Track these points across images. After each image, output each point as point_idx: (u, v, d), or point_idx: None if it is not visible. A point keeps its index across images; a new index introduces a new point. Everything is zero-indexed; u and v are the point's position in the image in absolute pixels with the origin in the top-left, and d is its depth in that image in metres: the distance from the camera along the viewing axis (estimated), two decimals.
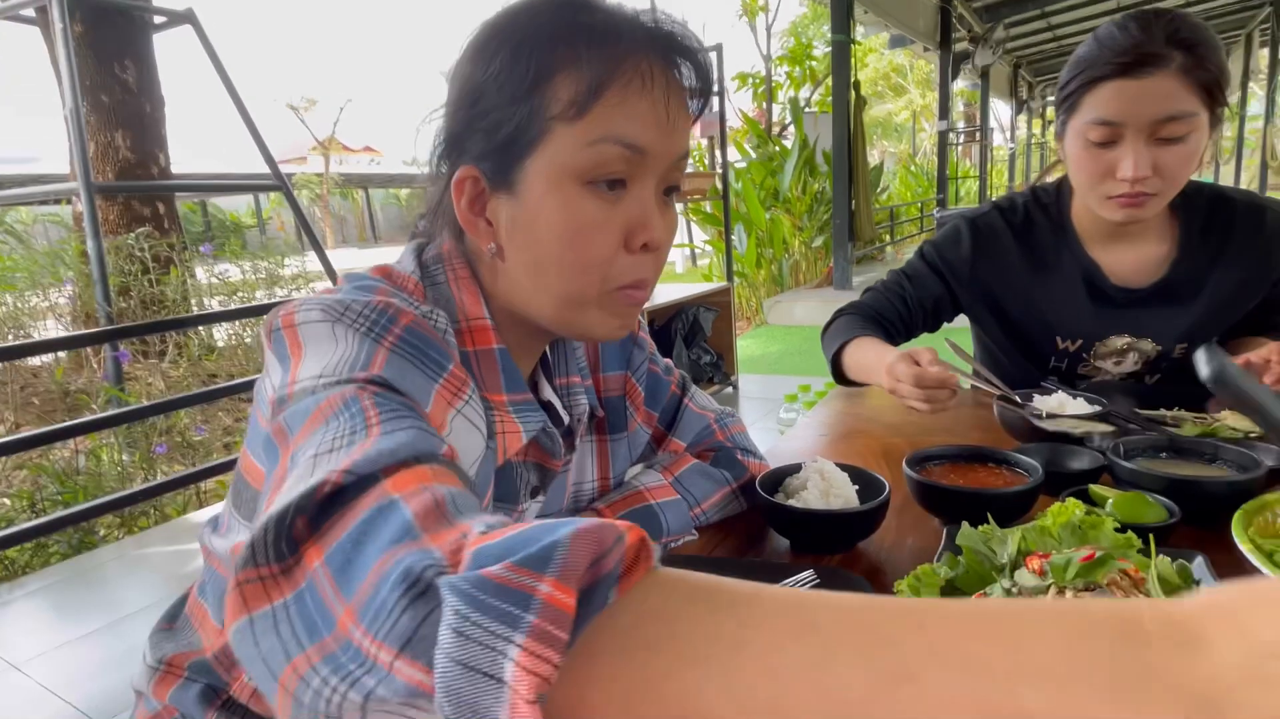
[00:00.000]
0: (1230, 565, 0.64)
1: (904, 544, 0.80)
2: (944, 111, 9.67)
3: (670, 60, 0.58)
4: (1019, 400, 1.09)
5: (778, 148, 8.36)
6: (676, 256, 12.34)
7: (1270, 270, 1.14)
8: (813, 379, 3.82)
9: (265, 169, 3.26)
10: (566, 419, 0.74)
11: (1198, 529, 0.75)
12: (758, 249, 7.68)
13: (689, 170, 5.02)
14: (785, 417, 3.19)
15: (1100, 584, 0.54)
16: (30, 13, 3.66)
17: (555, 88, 0.55)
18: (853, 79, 6.05)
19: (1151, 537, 0.59)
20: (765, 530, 0.84)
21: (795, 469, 0.84)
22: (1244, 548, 0.63)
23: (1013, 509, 0.77)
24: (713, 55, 3.57)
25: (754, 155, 8.27)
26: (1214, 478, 0.78)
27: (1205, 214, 1.16)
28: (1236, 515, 0.68)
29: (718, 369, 4.30)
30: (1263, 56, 13.16)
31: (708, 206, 7.40)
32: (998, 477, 0.85)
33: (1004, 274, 1.25)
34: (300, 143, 20.25)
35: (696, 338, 4.17)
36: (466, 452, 0.54)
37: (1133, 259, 1.18)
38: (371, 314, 0.52)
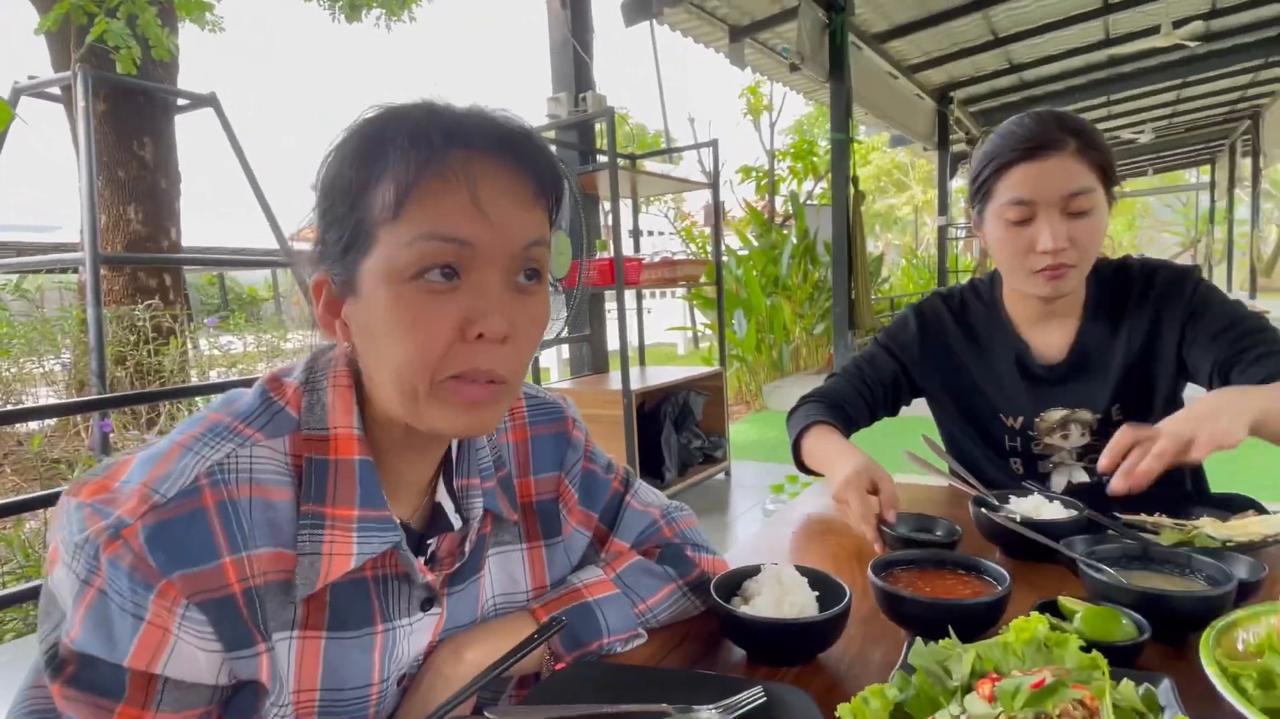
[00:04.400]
0: (1199, 690, 0.60)
1: (869, 657, 0.76)
2: (943, 207, 9.94)
3: (491, 152, 0.59)
4: (995, 502, 1.07)
5: (778, 237, 8.57)
6: (677, 339, 12.43)
7: (1168, 320, 1.17)
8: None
9: (279, 246, 3.34)
10: (457, 523, 0.71)
11: (1169, 648, 0.72)
12: (758, 334, 7.74)
13: (684, 258, 5.11)
14: (771, 508, 3.14)
15: (1051, 714, 0.51)
16: (56, 90, 3.84)
17: (375, 193, 0.57)
18: (852, 174, 6.24)
19: (1105, 662, 0.56)
20: (723, 638, 0.81)
21: (755, 571, 0.81)
22: (1209, 671, 0.60)
23: (979, 620, 0.74)
24: (709, 150, 3.70)
25: (756, 244, 8.46)
26: (1183, 592, 0.75)
27: (1108, 285, 1.23)
28: (1205, 635, 0.65)
29: (709, 454, 4.25)
30: (1245, 165, 13.60)
31: (709, 292, 7.52)
32: (966, 585, 0.82)
33: (948, 355, 1.32)
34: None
35: (687, 421, 4.13)
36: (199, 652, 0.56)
37: (1053, 337, 1.25)
38: (80, 554, 0.54)
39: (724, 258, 6.94)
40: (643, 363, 4.76)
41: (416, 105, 0.60)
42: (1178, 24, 6.66)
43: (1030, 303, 1.24)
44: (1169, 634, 0.71)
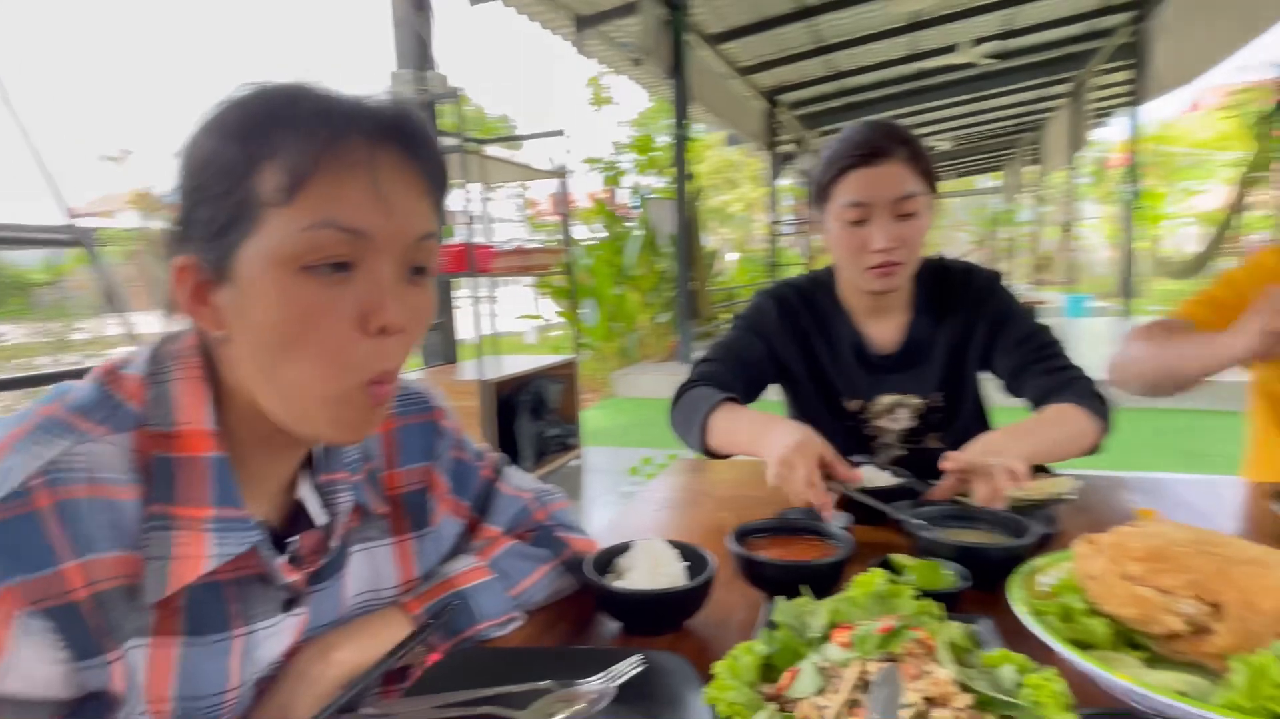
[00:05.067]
0: (1012, 626, 0.70)
1: (730, 620, 0.81)
2: (772, 206, 10.59)
3: (390, 139, 0.57)
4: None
5: (625, 229, 8.73)
6: (528, 329, 12.31)
7: (980, 320, 1.34)
8: (656, 451, 3.89)
9: (64, 222, 2.92)
10: (324, 519, 0.69)
11: (985, 593, 0.83)
12: (608, 323, 7.87)
13: (535, 246, 5.08)
14: (626, 490, 3.22)
15: (897, 653, 0.57)
16: None
17: (265, 174, 0.54)
18: (690, 171, 6.48)
19: (938, 607, 0.64)
20: (597, 613, 0.83)
21: (626, 548, 0.84)
22: (1019, 610, 0.70)
23: (826, 579, 0.81)
24: (558, 139, 3.69)
25: (604, 233, 8.57)
26: (994, 545, 0.86)
27: (932, 282, 1.37)
28: (1013, 580, 0.76)
29: (563, 442, 4.28)
30: (1029, 172, 15.57)
31: (559, 281, 7.52)
32: (814, 548, 0.89)
33: (803, 340, 1.41)
34: (114, 196, 18.44)
35: (542, 410, 4.13)
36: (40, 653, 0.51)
37: (885, 329, 1.38)
38: None
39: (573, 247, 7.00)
40: (496, 352, 4.68)
41: (304, 86, 0.56)
42: (975, 43, 7.49)
43: (864, 296, 1.35)
44: (984, 581, 0.82)
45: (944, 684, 0.54)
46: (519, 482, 0.90)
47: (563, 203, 4.51)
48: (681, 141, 6.39)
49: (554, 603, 0.85)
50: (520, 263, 3.98)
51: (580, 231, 8.90)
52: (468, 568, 0.78)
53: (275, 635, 0.65)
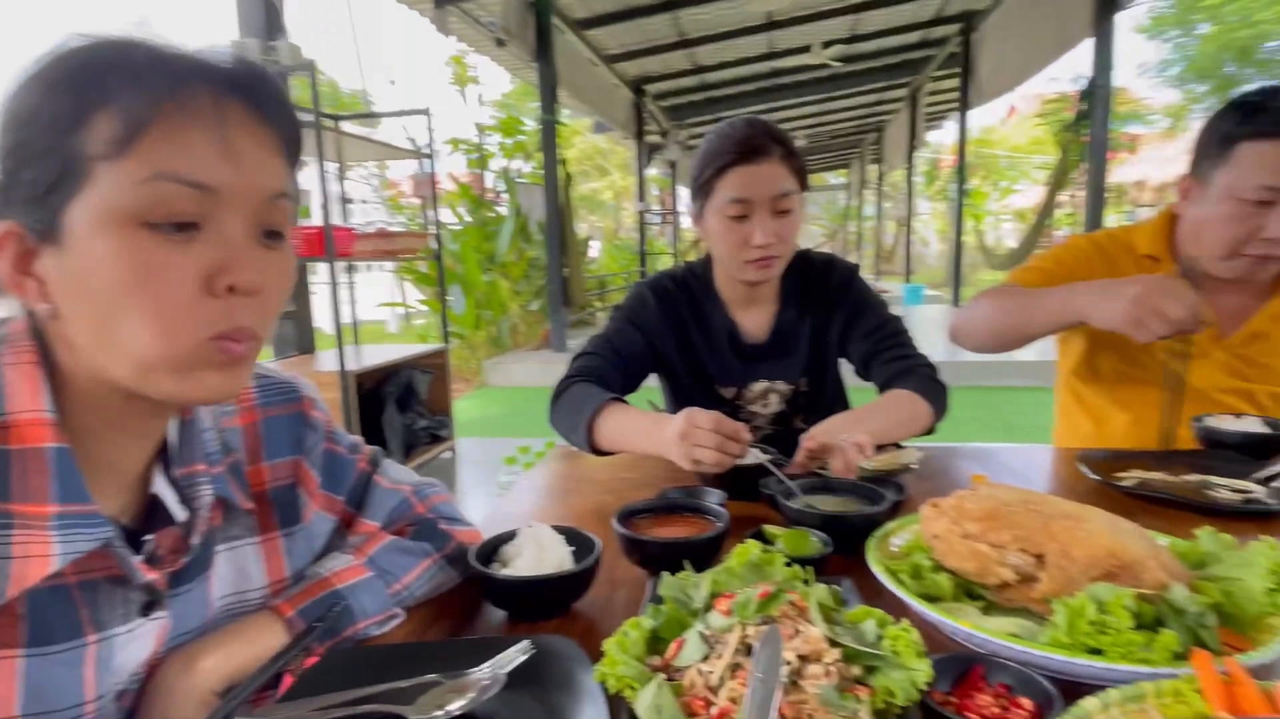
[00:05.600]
0: (871, 584, 0.77)
1: (615, 599, 0.83)
2: (641, 195, 10.73)
3: (237, 93, 0.54)
4: None
5: (492, 213, 8.54)
6: (389, 316, 11.77)
7: (838, 310, 1.44)
8: (533, 440, 3.86)
9: None
10: (184, 515, 0.65)
11: (846, 557, 0.90)
12: (477, 310, 7.68)
13: (399, 229, 4.86)
14: (504, 480, 3.18)
15: (775, 616, 0.61)
16: None
17: (96, 125, 0.50)
18: (561, 157, 6.44)
19: (810, 572, 0.69)
20: (482, 603, 0.82)
21: (510, 536, 0.84)
22: (875, 570, 0.77)
23: (707, 553, 0.85)
24: (423, 118, 3.53)
25: (469, 219, 8.34)
26: (852, 512, 0.94)
27: (797, 274, 1.45)
28: (870, 543, 0.83)
29: (434, 433, 4.15)
30: (872, 171, 16.71)
31: (422, 267, 7.24)
32: (694, 525, 0.93)
33: (681, 331, 1.45)
34: None
35: (411, 401, 3.98)
36: None
37: (757, 318, 1.45)
38: None
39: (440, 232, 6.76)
40: (356, 341, 4.45)
41: (140, 38, 0.52)
42: (825, 46, 7.92)
43: (739, 287, 1.41)
44: (845, 546, 0.89)
45: (816, 642, 0.58)
46: (397, 475, 0.87)
47: (428, 185, 4.33)
48: (550, 126, 6.33)
49: (437, 597, 0.84)
50: (383, 246, 3.79)
51: (444, 216, 8.62)
52: (343, 566, 0.75)
53: (134, 642, 0.60)
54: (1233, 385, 1.38)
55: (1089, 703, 0.51)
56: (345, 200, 4.60)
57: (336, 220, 3.49)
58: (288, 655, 0.63)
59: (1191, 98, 17.29)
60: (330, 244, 3.22)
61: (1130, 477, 1.15)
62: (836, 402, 1.50)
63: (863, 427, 1.12)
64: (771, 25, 7.84)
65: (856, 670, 0.58)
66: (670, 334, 1.44)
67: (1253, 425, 1.23)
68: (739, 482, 1.13)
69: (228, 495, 0.67)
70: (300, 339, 3.97)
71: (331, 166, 3.82)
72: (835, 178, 24.37)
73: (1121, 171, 14.59)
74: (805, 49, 8.23)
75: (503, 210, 8.49)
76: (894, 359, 1.36)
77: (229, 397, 0.58)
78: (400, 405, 3.85)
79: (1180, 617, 0.61)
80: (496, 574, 0.76)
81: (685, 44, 8.13)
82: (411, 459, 3.87)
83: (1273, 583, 0.64)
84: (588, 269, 9.93)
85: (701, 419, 1.00)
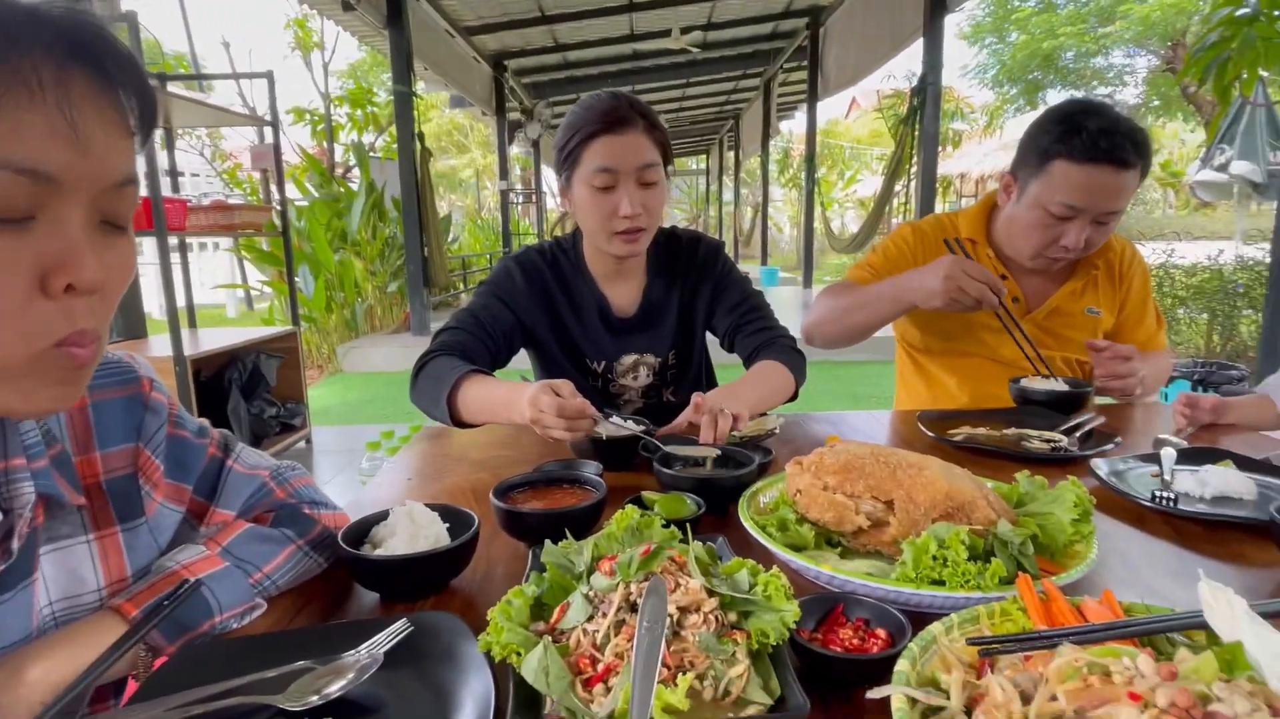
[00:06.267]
0: (742, 539, 0.81)
1: (494, 573, 0.82)
2: (503, 173, 10.50)
3: (80, 59, 0.47)
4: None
5: (343, 189, 8.04)
6: (228, 299, 10.84)
7: (704, 285, 1.49)
8: (397, 425, 3.71)
9: None
10: None
11: (718, 517, 0.94)
12: (328, 292, 7.22)
13: (239, 203, 4.48)
14: (367, 466, 3.03)
15: (656, 572, 0.64)
16: None
17: None
18: (417, 130, 6.16)
19: (688, 527, 0.72)
20: (352, 587, 0.79)
21: (383, 516, 0.81)
22: (747, 525, 0.81)
23: (586, 521, 0.86)
24: (264, 82, 3.26)
25: (317, 194, 7.80)
26: (724, 475, 0.98)
27: (665, 249, 1.50)
28: (741, 502, 0.88)
29: (286, 422, 3.89)
30: (730, 156, 17.27)
31: (265, 244, 6.71)
32: (573, 495, 0.94)
33: (550, 305, 1.45)
34: None
35: (259, 388, 3.70)
36: None
37: (625, 292, 1.48)
38: None
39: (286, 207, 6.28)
40: (193, 324, 4.06)
41: None
42: (684, 30, 8.06)
43: (608, 261, 1.42)
44: (718, 506, 0.93)
45: (695, 593, 0.61)
46: (253, 459, 0.81)
47: (270, 156, 4.00)
48: (405, 98, 6.03)
49: (305, 584, 0.80)
50: (220, 221, 3.46)
51: (291, 192, 8.02)
52: (195, 558, 0.70)
53: None
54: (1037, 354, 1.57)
55: (934, 628, 0.57)
56: (174, 172, 4.16)
57: (164, 192, 3.15)
58: (115, 655, 0.57)
59: (1005, 99, 19.22)
60: (160, 216, 2.91)
61: (960, 432, 1.28)
62: (703, 373, 1.56)
63: (741, 399, 1.18)
64: (632, 7, 7.88)
65: (733, 617, 0.62)
66: (539, 309, 1.43)
67: (1058, 385, 1.41)
68: (615, 453, 1.15)
69: (52, 492, 0.60)
70: (128, 324, 3.57)
71: (156, 133, 3.44)
72: (696, 163, 25.00)
73: (947, 165, 16.04)
74: (666, 33, 8.35)
75: (355, 186, 8.01)
76: (758, 331, 1.43)
77: (64, 408, 0.52)
78: (246, 393, 3.57)
79: (1006, 548, 0.70)
80: (370, 555, 0.73)
81: (546, 20, 8.00)
82: (263, 450, 3.61)
83: (1077, 514, 0.75)
84: (450, 249, 9.60)
85: (545, 403, 1.02)
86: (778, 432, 1.25)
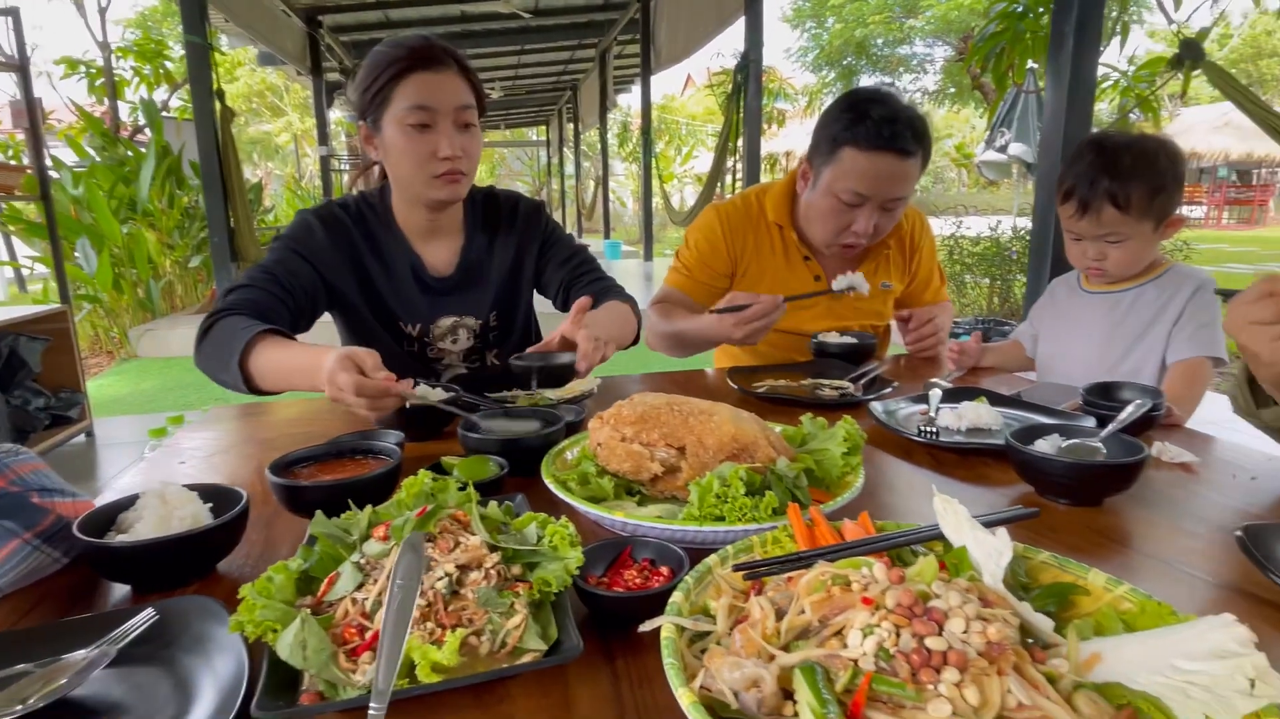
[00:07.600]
0: (546, 497, 0.80)
1: (275, 555, 0.76)
2: (323, 138, 9.71)
3: None
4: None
5: (131, 152, 7.08)
6: None
7: (526, 248, 1.46)
8: (194, 413, 3.36)
9: None
10: None
11: (524, 478, 0.92)
12: (115, 268, 6.36)
13: None
14: (150, 456, 2.72)
15: (435, 532, 0.61)
16: None
17: None
18: (217, 87, 5.54)
19: (472, 487, 0.70)
20: (96, 580, 0.70)
21: (130, 502, 0.72)
22: (547, 481, 0.80)
23: (378, 491, 0.81)
24: (7, 20, 2.77)
25: (97, 158, 6.83)
26: (529, 434, 0.96)
27: (483, 207, 1.45)
28: (544, 460, 0.87)
29: (59, 414, 3.40)
30: (570, 129, 17.11)
31: (31, 214, 5.79)
32: (365, 467, 0.88)
33: (357, 263, 1.34)
34: None
35: (19, 376, 3.20)
36: None
37: (441, 252, 1.40)
38: None
39: (53, 172, 5.41)
40: None
41: None
42: None
43: (421, 217, 1.33)
44: (524, 467, 0.91)
45: (475, 549, 0.59)
46: None
47: (30, 110, 3.42)
48: (201, 50, 5.39)
49: (40, 582, 0.69)
50: None
51: (66, 155, 6.96)
52: None
53: None
54: (835, 326, 1.69)
55: (710, 559, 0.59)
56: None
57: None
58: None
59: (824, 82, 20.50)
60: None
61: (763, 385, 1.35)
62: (527, 335, 1.52)
63: (612, 331, 1.20)
64: None
65: (518, 570, 0.61)
66: (344, 266, 1.32)
67: (848, 339, 1.52)
68: (421, 422, 1.10)
69: None
70: None
71: None
72: (535, 134, 24.55)
73: (773, 143, 16.90)
74: None
75: (145, 149, 7.07)
76: (594, 282, 1.43)
77: None
78: (2, 382, 3.07)
79: (781, 482, 0.73)
80: (109, 543, 0.65)
81: None
82: (29, 445, 3.14)
83: (846, 448, 0.80)
84: (263, 220, 8.79)
85: (343, 381, 0.89)
86: (595, 393, 1.25)
